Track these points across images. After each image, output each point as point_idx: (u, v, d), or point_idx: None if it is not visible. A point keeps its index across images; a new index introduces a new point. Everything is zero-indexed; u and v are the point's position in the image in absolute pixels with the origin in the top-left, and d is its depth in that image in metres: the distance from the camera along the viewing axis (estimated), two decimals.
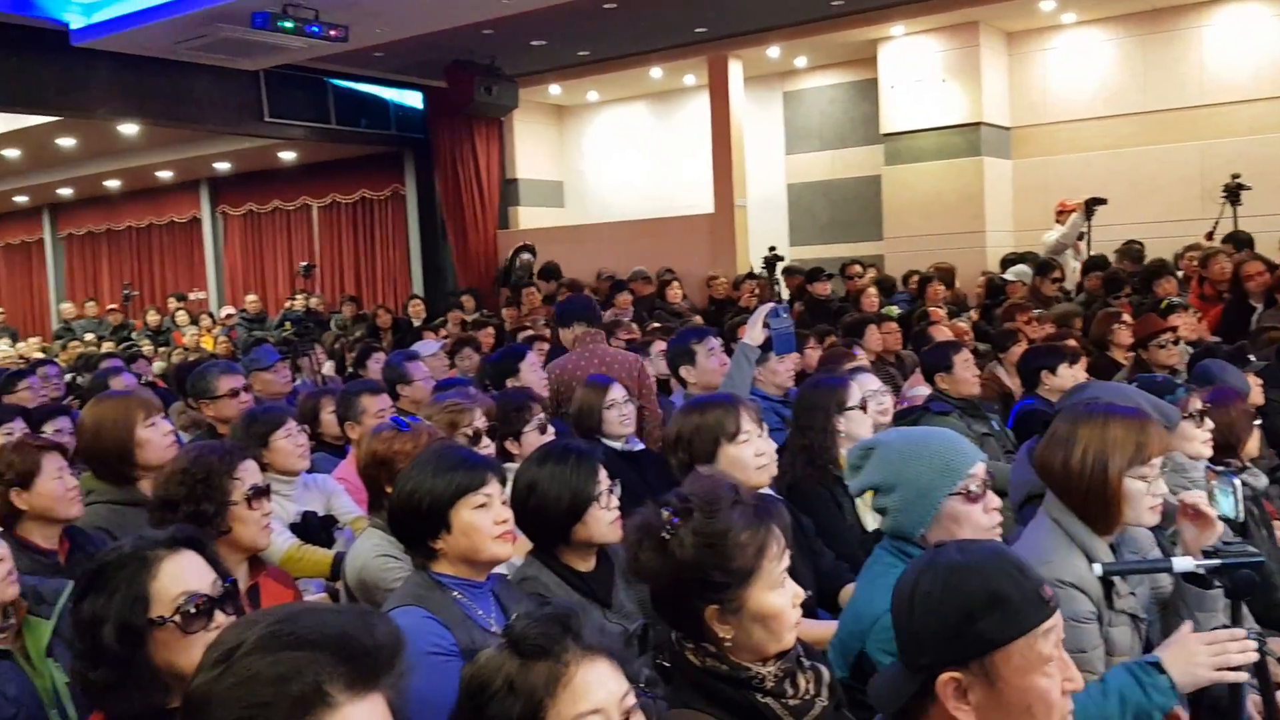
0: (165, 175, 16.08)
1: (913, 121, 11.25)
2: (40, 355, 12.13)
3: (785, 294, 10.07)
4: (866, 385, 4.09)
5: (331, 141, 13.08)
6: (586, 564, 2.64)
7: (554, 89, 13.48)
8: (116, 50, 9.93)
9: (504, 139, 13.64)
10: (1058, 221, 9.74)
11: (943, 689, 1.59)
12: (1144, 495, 2.39)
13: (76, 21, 9.57)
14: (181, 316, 13.67)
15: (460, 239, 13.31)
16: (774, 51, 11.86)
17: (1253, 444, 3.76)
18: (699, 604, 1.85)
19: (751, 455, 3.02)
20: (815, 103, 12.71)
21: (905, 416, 4.84)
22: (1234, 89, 10.23)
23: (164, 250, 17.47)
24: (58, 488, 3.07)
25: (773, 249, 10.24)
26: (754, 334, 4.31)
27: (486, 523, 2.37)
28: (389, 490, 2.68)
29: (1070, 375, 4.89)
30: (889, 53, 11.38)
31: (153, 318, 13.92)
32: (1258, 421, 3.85)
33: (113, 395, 3.89)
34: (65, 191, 17.31)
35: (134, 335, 13.64)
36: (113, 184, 16.69)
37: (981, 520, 2.32)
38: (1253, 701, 2.24)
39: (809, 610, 3.02)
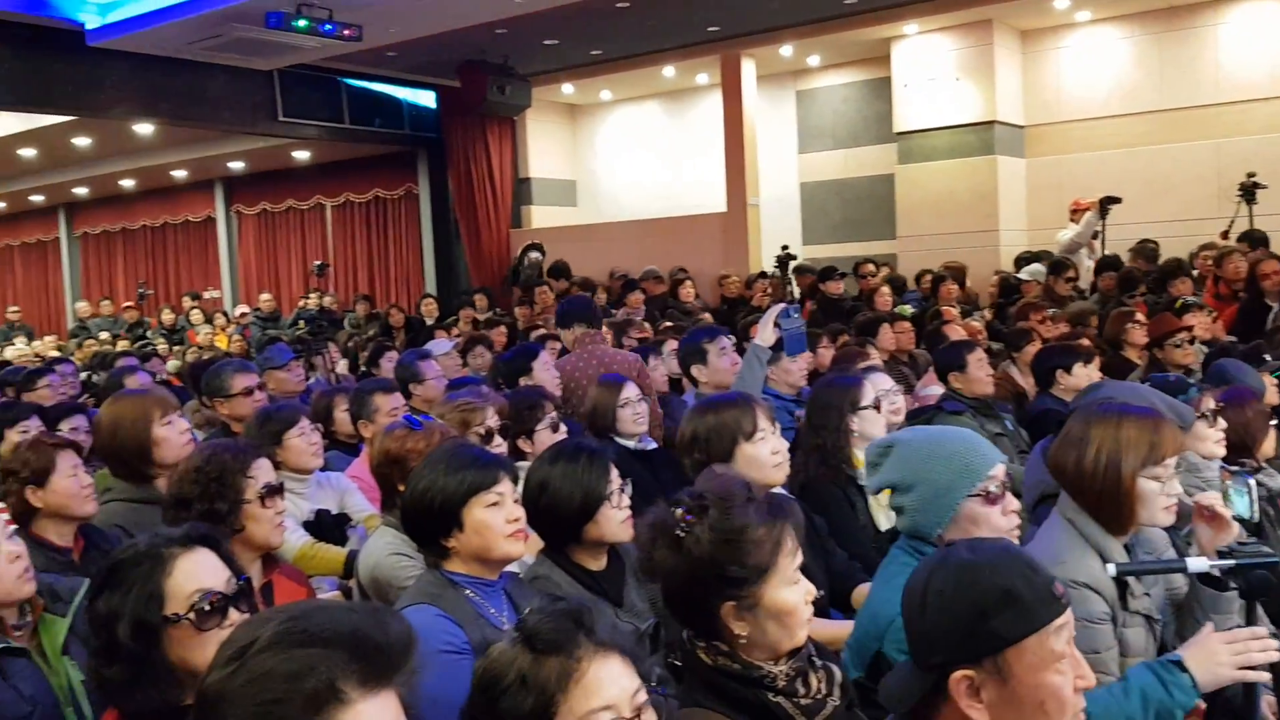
0: (180, 175, 16.15)
1: (926, 120, 11.22)
2: (55, 354, 12.19)
3: (796, 293, 10.06)
4: (879, 384, 4.08)
5: (345, 141, 13.12)
6: (598, 563, 2.65)
7: (567, 88, 13.48)
8: (132, 50, 9.98)
9: (517, 138, 13.66)
10: (1072, 220, 9.69)
11: (956, 687, 1.59)
12: (1158, 495, 2.38)
13: (92, 21, 9.62)
14: (196, 315, 13.72)
15: (473, 238, 13.33)
16: (787, 50, 11.84)
17: (1268, 444, 3.73)
18: (715, 601, 1.86)
19: (768, 453, 3.03)
20: (828, 101, 12.69)
21: (918, 416, 4.83)
22: (1250, 87, 10.16)
23: (179, 249, 17.56)
24: (72, 485, 3.08)
25: (785, 248, 10.24)
26: (765, 335, 4.30)
27: (499, 521, 2.37)
28: (402, 488, 2.69)
29: (1085, 374, 4.87)
30: (902, 51, 11.35)
31: (167, 316, 13.99)
32: (1274, 421, 3.83)
33: (130, 393, 3.90)
34: (81, 191, 17.40)
35: (149, 334, 13.71)
36: (128, 183, 16.78)
37: (999, 522, 2.31)
38: (1267, 702, 2.23)
39: (821, 610, 3.03)
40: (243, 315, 13.66)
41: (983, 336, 7.03)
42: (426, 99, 13.37)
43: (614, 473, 2.65)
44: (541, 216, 13.92)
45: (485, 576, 2.40)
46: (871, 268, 10.21)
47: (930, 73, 11.15)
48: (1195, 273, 8.09)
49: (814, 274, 10.04)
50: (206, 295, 14.68)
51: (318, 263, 13.46)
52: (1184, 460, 3.10)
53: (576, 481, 2.58)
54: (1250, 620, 2.17)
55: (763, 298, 9.79)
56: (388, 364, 6.40)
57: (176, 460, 3.26)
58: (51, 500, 3.06)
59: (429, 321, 11.35)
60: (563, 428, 3.97)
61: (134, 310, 14.58)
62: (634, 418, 4.22)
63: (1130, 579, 2.38)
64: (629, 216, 13.42)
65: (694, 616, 1.91)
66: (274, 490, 2.76)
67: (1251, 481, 2.75)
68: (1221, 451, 3.36)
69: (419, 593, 2.37)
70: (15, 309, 16.33)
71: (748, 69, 11.85)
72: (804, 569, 1.95)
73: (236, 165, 15.58)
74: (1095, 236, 9.31)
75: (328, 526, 3.72)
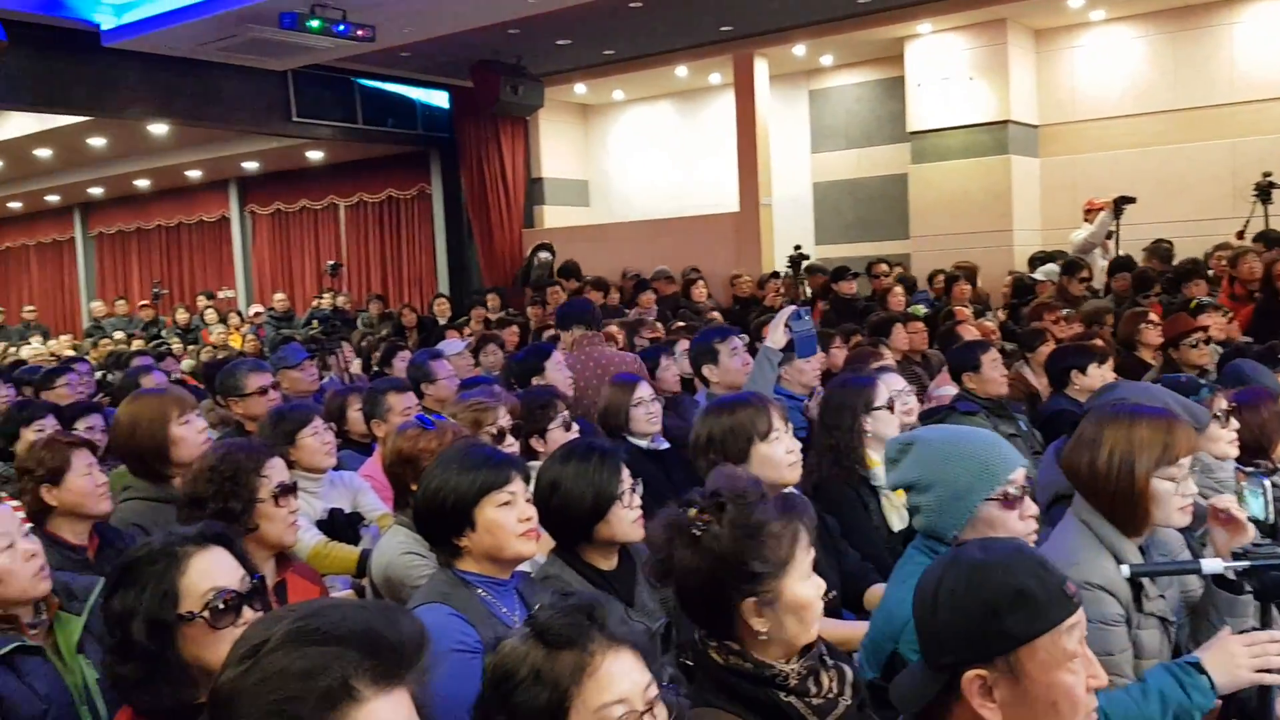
0: (194, 175, 16.22)
1: (939, 120, 11.19)
2: (71, 353, 12.26)
3: (809, 291, 10.04)
4: (891, 385, 4.07)
5: (358, 141, 13.15)
6: (609, 562, 2.64)
7: (579, 88, 13.49)
8: (146, 51, 10.03)
9: (529, 138, 13.67)
10: (1086, 220, 9.65)
11: (968, 686, 1.59)
12: (1173, 496, 2.37)
13: (107, 22, 9.68)
14: (210, 315, 13.78)
15: (486, 238, 13.35)
16: (800, 50, 11.82)
17: None
18: (736, 598, 1.86)
19: (783, 453, 3.05)
20: (841, 101, 12.67)
21: (931, 416, 4.82)
22: (1265, 86, 10.11)
23: (193, 249, 17.63)
24: (87, 484, 3.10)
25: (798, 248, 10.22)
26: (776, 337, 4.30)
27: (511, 520, 2.38)
28: (414, 488, 2.70)
29: (1100, 375, 4.85)
30: (916, 50, 11.32)
31: (182, 316, 14.05)
32: None
33: (149, 392, 3.91)
34: (96, 191, 17.49)
35: (163, 333, 13.77)
36: (143, 183, 16.85)
37: (1017, 526, 2.31)
38: None
39: (834, 611, 3.03)
40: (257, 315, 13.71)
41: (997, 336, 7.01)
42: (439, 99, 13.40)
43: (625, 472, 2.65)
44: (554, 216, 13.93)
45: (497, 576, 2.40)
46: (885, 268, 10.17)
47: (944, 72, 11.12)
48: (1210, 273, 8.05)
49: (824, 274, 10.03)
50: (221, 295, 14.74)
51: (331, 262, 13.49)
52: (1197, 461, 3.08)
53: (588, 481, 2.57)
54: (1265, 622, 2.16)
55: (775, 298, 9.78)
56: (400, 364, 6.42)
57: (194, 460, 3.28)
58: (66, 499, 3.08)
59: (441, 321, 11.37)
60: (575, 427, 3.97)
61: (149, 309, 14.64)
62: (647, 417, 4.24)
63: (1145, 580, 2.37)
64: (641, 216, 13.43)
65: (711, 615, 1.91)
66: (288, 489, 2.77)
67: (1267, 483, 2.73)
68: (1235, 452, 3.34)
69: (431, 591, 2.38)
70: (31, 308, 16.42)
71: (760, 69, 11.83)
72: (816, 568, 1.95)
73: (250, 165, 15.64)
74: (1109, 236, 9.28)
75: (341, 525, 3.73)
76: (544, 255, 12.44)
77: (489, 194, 13.18)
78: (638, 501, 2.64)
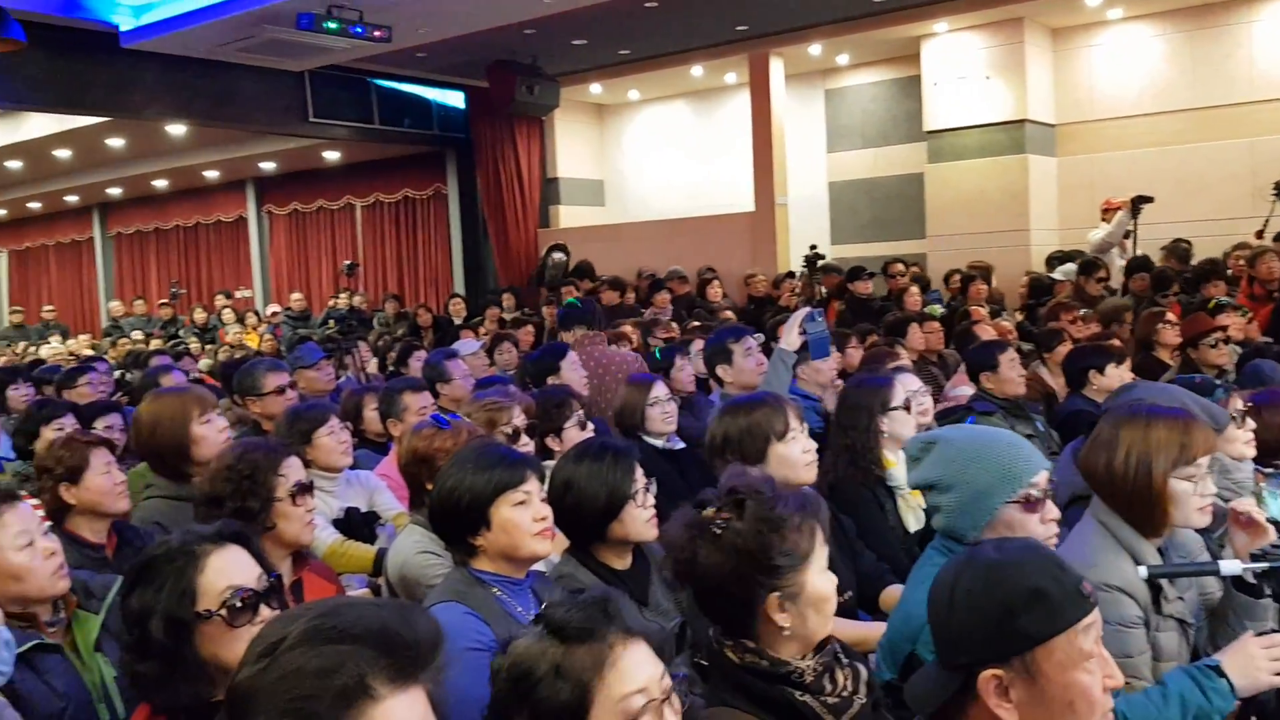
0: (212, 175, 16.30)
1: (956, 119, 11.13)
2: (90, 352, 12.34)
3: (824, 292, 10.02)
4: (908, 385, 4.05)
5: (375, 141, 13.19)
6: (623, 562, 2.65)
7: (595, 88, 13.49)
8: (164, 52, 10.09)
9: (545, 138, 13.68)
10: (1103, 220, 9.60)
11: (984, 687, 1.58)
12: (1191, 496, 2.35)
13: (126, 23, 9.73)
14: (228, 314, 13.84)
15: (501, 238, 13.37)
16: (815, 49, 11.79)
17: None
18: (760, 593, 1.86)
19: (800, 452, 3.05)
20: (857, 100, 12.63)
21: (947, 416, 4.81)
22: None
23: (211, 249, 17.72)
24: (105, 483, 3.12)
25: (814, 247, 10.20)
26: (790, 339, 4.30)
27: (526, 519, 2.38)
28: (429, 487, 2.70)
29: (1117, 375, 4.82)
30: (932, 49, 11.28)
31: (199, 315, 14.11)
32: None
33: (170, 391, 3.93)
34: (114, 191, 17.59)
35: (181, 332, 13.84)
36: (161, 184, 16.95)
37: (1038, 529, 2.29)
38: None
39: (849, 611, 3.02)
40: (274, 314, 13.77)
41: (1013, 336, 6.98)
42: (455, 99, 13.42)
43: (639, 472, 2.65)
44: (569, 216, 13.94)
45: (512, 575, 2.41)
46: (901, 267, 10.14)
47: (960, 71, 11.07)
48: (1229, 273, 8.00)
49: (841, 274, 10.01)
50: (238, 294, 14.80)
51: (347, 262, 13.51)
52: (1215, 461, 3.06)
53: (601, 480, 2.57)
54: None
55: (790, 298, 9.76)
56: (416, 363, 6.44)
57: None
58: (85, 497, 3.09)
59: (457, 321, 11.39)
60: (590, 426, 3.97)
61: (167, 309, 14.72)
62: (663, 417, 4.24)
63: (1164, 582, 2.35)
64: (657, 216, 13.41)
65: (732, 613, 1.91)
66: (304, 488, 2.78)
67: None
68: (1251, 453, 3.31)
69: (447, 590, 2.38)
70: (50, 308, 16.55)
71: (776, 68, 11.81)
72: (832, 568, 1.96)
73: (268, 166, 15.71)
74: (1127, 236, 9.21)
75: (357, 524, 3.74)
76: (558, 256, 12.46)
77: (504, 194, 13.20)
78: (651, 501, 2.63)
